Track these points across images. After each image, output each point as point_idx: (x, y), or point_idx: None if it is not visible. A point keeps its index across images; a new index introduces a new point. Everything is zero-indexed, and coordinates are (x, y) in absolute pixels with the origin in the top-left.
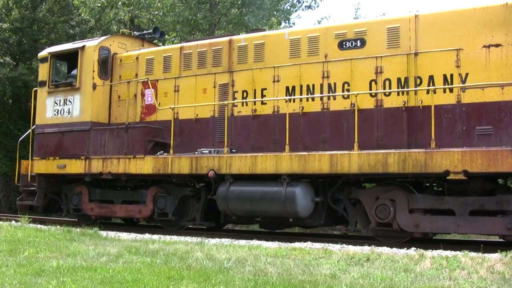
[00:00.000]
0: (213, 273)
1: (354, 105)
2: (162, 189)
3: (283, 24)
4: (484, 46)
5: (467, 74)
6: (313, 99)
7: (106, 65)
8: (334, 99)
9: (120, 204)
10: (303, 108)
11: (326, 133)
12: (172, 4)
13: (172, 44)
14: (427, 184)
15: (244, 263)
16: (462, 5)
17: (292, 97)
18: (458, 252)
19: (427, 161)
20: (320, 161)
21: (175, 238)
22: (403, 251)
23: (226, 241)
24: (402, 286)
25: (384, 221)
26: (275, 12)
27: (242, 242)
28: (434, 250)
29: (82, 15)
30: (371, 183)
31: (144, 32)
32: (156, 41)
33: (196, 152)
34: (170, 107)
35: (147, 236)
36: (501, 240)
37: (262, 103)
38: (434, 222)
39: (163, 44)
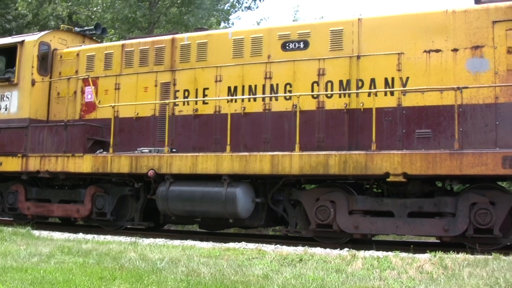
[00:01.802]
0: (145, 274)
1: (296, 106)
2: (101, 188)
3: (222, 24)
4: (425, 51)
5: (407, 78)
6: (255, 99)
7: (46, 61)
8: (276, 100)
9: (58, 204)
10: (245, 108)
11: (267, 134)
12: (112, 1)
13: (111, 41)
14: (367, 186)
15: (177, 264)
16: (404, 10)
17: (234, 97)
18: (389, 253)
19: (367, 163)
20: (261, 162)
21: (109, 238)
22: (336, 251)
23: (160, 241)
24: (333, 286)
25: (324, 222)
26: (214, 12)
27: (177, 242)
28: (366, 251)
29: (19, 9)
30: (312, 185)
31: (86, 28)
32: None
33: (136, 151)
34: (111, 105)
35: (80, 236)
36: (437, 241)
37: (204, 102)
38: (373, 224)
39: (102, 41)
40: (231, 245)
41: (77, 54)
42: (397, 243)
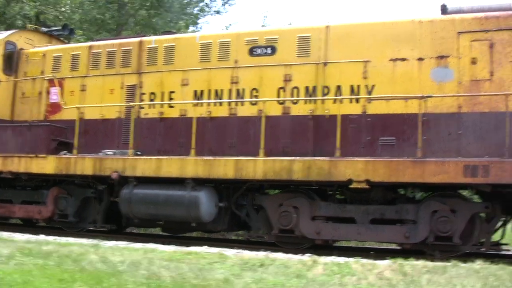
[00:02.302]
0: (106, 276)
1: (261, 112)
2: (63, 190)
3: (191, 28)
4: (391, 60)
5: (373, 85)
6: (221, 104)
7: (12, 60)
8: (242, 104)
9: (20, 204)
10: (210, 112)
11: (232, 139)
12: (80, 2)
13: (78, 42)
14: (331, 192)
15: (138, 266)
16: (372, 19)
17: (200, 101)
18: (350, 259)
19: (331, 169)
20: (225, 166)
21: (71, 239)
22: (297, 257)
23: (122, 243)
24: None
25: (287, 227)
26: (183, 16)
27: (139, 245)
28: (327, 257)
29: None
30: (276, 190)
31: (53, 28)
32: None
33: (100, 153)
34: (76, 107)
35: (42, 237)
36: (398, 248)
37: (170, 106)
38: (335, 230)
39: (69, 42)
40: (193, 248)
41: (44, 55)
42: (358, 249)
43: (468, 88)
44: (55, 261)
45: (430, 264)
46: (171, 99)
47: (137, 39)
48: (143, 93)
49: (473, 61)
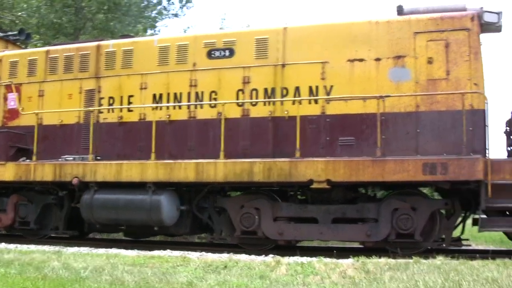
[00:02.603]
0: (68, 283)
1: (221, 114)
2: (24, 197)
3: (149, 31)
4: (349, 60)
5: (331, 86)
6: (180, 107)
7: None
8: (201, 107)
9: None
10: (170, 116)
11: (192, 142)
12: (37, 6)
13: (35, 47)
14: (292, 193)
15: (101, 272)
16: (329, 20)
17: (159, 104)
18: (313, 258)
19: (291, 170)
20: (186, 170)
21: (32, 247)
22: (260, 258)
23: (84, 249)
24: None
25: (249, 229)
26: (141, 19)
27: (101, 250)
28: (290, 257)
29: None
30: (237, 192)
31: (9, 33)
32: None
33: (60, 159)
34: (34, 112)
35: (2, 245)
36: (361, 246)
37: (129, 110)
38: (297, 230)
39: (26, 47)
40: (156, 252)
41: (0, 60)
42: (321, 249)
43: (425, 88)
44: (17, 269)
45: (392, 261)
46: (130, 103)
47: (95, 43)
48: (102, 98)
49: (430, 61)
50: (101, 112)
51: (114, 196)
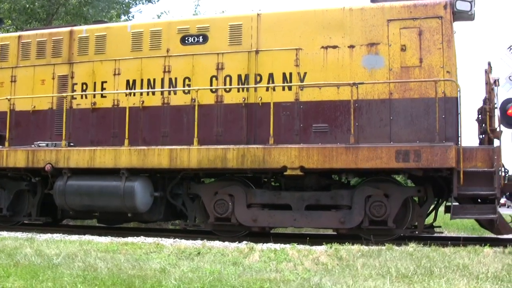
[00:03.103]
0: (41, 270)
1: (194, 101)
2: None
3: (123, 17)
4: (322, 47)
5: (305, 73)
6: (153, 93)
7: None
8: (175, 94)
9: None
10: (143, 102)
11: (166, 128)
12: None
13: (7, 32)
14: (265, 180)
15: (74, 259)
16: (303, 7)
17: (133, 90)
18: (287, 245)
19: (265, 157)
20: (159, 156)
21: (4, 234)
22: (234, 245)
23: (57, 236)
24: (230, 279)
25: (223, 215)
26: (115, 5)
27: (74, 237)
28: (264, 244)
29: None
30: (211, 178)
31: None
32: None
33: (33, 145)
34: (6, 98)
35: None
36: (334, 233)
37: (102, 96)
38: (271, 217)
39: None
40: (129, 239)
41: None
42: (295, 236)
43: (398, 75)
44: None
45: (365, 248)
46: (103, 89)
47: (68, 29)
48: (75, 84)
49: (403, 48)
50: (74, 98)
51: (88, 183)
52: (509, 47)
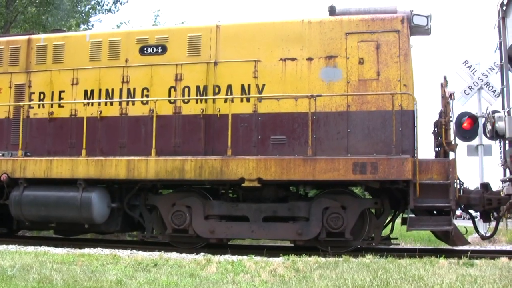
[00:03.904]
0: None
1: (153, 111)
2: None
3: (82, 26)
4: (281, 59)
5: (264, 85)
6: (112, 103)
7: None
8: (133, 104)
9: None
10: (101, 112)
11: (124, 139)
12: None
13: None
14: (223, 191)
15: (29, 270)
16: (262, 19)
17: (90, 100)
18: (244, 257)
19: (223, 168)
20: (117, 167)
21: None
22: (191, 256)
23: (13, 247)
24: None
25: (180, 227)
26: (74, 14)
27: (30, 248)
28: (221, 255)
29: None
30: (169, 189)
31: None
32: None
33: None
34: None
35: None
36: (292, 244)
37: (60, 105)
38: (229, 228)
39: None
40: (86, 250)
41: None
42: (253, 247)
43: (356, 88)
44: None
45: (322, 260)
46: (61, 98)
47: (26, 37)
48: (32, 93)
49: (361, 61)
50: (32, 107)
51: (44, 193)
52: (465, 61)
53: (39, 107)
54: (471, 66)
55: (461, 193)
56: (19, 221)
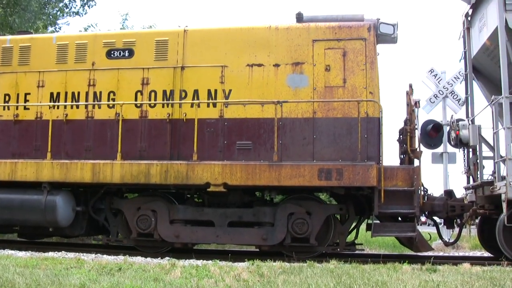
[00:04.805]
0: None
1: (119, 115)
2: None
3: (50, 28)
4: (248, 65)
5: (230, 90)
6: (77, 106)
7: None
8: (99, 107)
9: None
10: (67, 115)
11: (89, 142)
12: None
13: None
14: (189, 196)
15: None
16: (229, 24)
17: (56, 103)
18: (209, 262)
19: (188, 173)
20: (82, 170)
21: None
22: (156, 260)
23: None
24: None
25: (146, 231)
26: (41, 16)
27: None
28: (186, 260)
29: None
30: (134, 193)
31: None
32: None
33: None
34: None
35: None
36: (257, 250)
37: (25, 108)
38: (194, 233)
39: None
40: (50, 254)
41: None
42: (218, 252)
43: (322, 94)
44: None
45: (286, 265)
46: (26, 101)
47: None
48: None
49: (327, 68)
50: None
51: (8, 196)
52: (430, 70)
53: (4, 109)
54: (436, 74)
55: (426, 200)
56: None
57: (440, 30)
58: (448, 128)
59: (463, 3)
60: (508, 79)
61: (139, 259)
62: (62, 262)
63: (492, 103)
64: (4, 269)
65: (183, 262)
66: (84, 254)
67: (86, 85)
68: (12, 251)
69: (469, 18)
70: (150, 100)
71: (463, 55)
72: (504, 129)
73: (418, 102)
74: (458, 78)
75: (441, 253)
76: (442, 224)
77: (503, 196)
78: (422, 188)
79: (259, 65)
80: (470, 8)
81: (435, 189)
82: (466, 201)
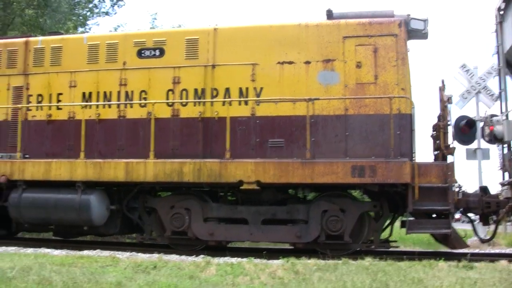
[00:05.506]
0: None
1: (150, 114)
2: None
3: (80, 29)
4: (278, 63)
5: (261, 88)
6: (109, 106)
7: None
8: (131, 107)
9: None
10: (99, 115)
11: (122, 141)
12: None
13: None
14: (222, 194)
15: (28, 272)
16: (259, 22)
17: (88, 103)
18: (243, 259)
19: (221, 171)
20: (115, 169)
21: None
22: (190, 258)
23: (12, 249)
24: None
25: (179, 229)
26: (72, 16)
27: (30, 250)
28: (221, 258)
29: None
30: (167, 192)
31: None
32: None
33: None
34: None
35: None
36: (291, 247)
37: (58, 108)
38: (228, 231)
39: None
40: (85, 252)
41: None
42: (252, 250)
43: (354, 91)
44: None
45: (321, 262)
46: (59, 101)
47: (23, 39)
48: (30, 95)
49: (358, 65)
50: (30, 110)
51: (43, 195)
52: (462, 65)
53: (37, 109)
54: (468, 70)
55: (460, 196)
56: (18, 223)
57: (471, 25)
58: (481, 123)
59: None
60: None
61: (173, 257)
62: (98, 261)
63: None
64: (41, 267)
65: (218, 260)
66: (119, 252)
67: (118, 84)
68: (48, 250)
69: (501, 12)
70: (181, 99)
71: (496, 50)
72: None
73: (451, 98)
74: (491, 73)
75: (476, 250)
76: (478, 221)
77: None
78: (456, 184)
79: (290, 62)
80: (503, 2)
81: (470, 186)
82: (501, 198)
